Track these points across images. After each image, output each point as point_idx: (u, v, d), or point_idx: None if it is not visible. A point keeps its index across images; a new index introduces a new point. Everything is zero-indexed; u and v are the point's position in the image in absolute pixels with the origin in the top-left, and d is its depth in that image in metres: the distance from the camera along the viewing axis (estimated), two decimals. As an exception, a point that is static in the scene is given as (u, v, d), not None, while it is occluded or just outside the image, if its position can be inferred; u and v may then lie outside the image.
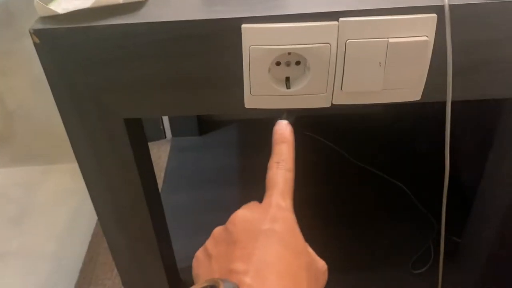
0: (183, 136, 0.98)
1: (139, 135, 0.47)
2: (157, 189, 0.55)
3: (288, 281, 0.27)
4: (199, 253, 0.31)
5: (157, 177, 0.97)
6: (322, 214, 0.76)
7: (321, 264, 0.31)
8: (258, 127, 1.01)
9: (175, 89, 0.40)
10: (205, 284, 0.26)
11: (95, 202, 0.48)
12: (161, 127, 1.01)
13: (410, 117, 0.94)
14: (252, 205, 0.32)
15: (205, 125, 0.98)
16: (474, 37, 0.37)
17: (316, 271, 0.30)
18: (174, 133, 0.99)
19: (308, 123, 0.93)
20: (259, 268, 0.27)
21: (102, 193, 0.47)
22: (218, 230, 0.32)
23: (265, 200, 0.31)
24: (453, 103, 0.39)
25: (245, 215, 0.31)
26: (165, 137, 1.03)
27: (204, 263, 0.30)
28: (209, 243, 0.31)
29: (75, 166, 0.49)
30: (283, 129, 0.37)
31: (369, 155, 0.87)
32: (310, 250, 0.31)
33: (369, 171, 0.84)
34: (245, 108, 0.42)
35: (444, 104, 0.39)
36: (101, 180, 0.46)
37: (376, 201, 0.79)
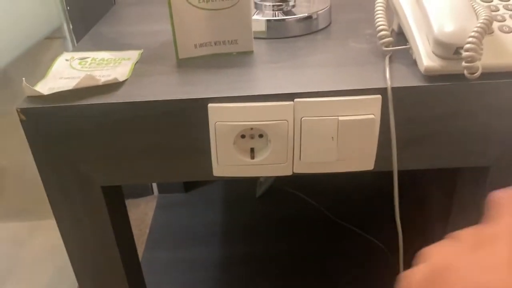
0: (170, 193, 1.01)
1: (117, 200, 0.50)
2: (135, 251, 0.57)
3: None
4: (451, 257, 0.23)
5: (143, 233, 0.99)
6: (301, 270, 0.78)
7: None
8: (242, 185, 1.05)
9: (149, 159, 0.44)
10: None
11: (73, 263, 0.51)
12: (149, 184, 1.04)
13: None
14: None
15: (191, 182, 1.01)
16: (416, 114, 0.42)
17: None
18: (160, 190, 1.02)
19: (289, 180, 0.96)
20: None
21: (80, 257, 0.50)
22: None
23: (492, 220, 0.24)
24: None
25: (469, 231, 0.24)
26: (153, 193, 1.06)
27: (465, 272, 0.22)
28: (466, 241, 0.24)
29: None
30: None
31: (349, 213, 0.90)
32: None
33: (349, 229, 0.86)
34: (214, 176, 0.45)
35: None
36: (78, 243, 0.49)
37: (354, 259, 0.81)
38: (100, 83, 0.42)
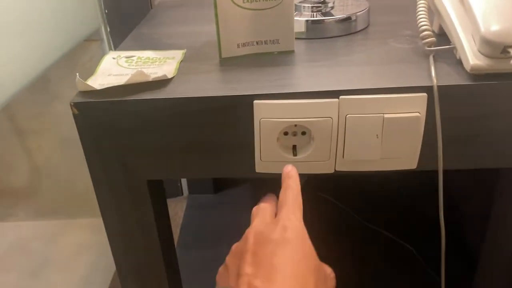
0: (199, 194, 1.02)
1: (160, 195, 0.51)
2: (174, 247, 0.58)
3: (296, 283, 0.29)
4: (221, 268, 0.35)
5: (174, 233, 1.00)
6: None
7: (329, 271, 0.34)
8: (271, 186, 1.05)
9: (194, 155, 0.45)
10: None
11: (116, 257, 0.52)
12: (179, 184, 1.06)
13: (418, 181, 0.97)
14: (264, 215, 0.36)
15: (220, 184, 1.02)
16: (461, 113, 0.42)
17: (325, 276, 0.33)
18: (190, 191, 1.03)
19: (318, 184, 0.96)
20: (268, 271, 0.29)
21: (123, 249, 0.51)
22: (235, 245, 0.35)
23: (277, 215, 0.35)
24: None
25: (258, 228, 0.34)
26: (182, 194, 1.07)
27: (223, 275, 0.34)
28: (228, 257, 0.35)
29: (94, 220, 0.53)
30: (289, 170, 0.39)
31: (378, 217, 0.89)
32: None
33: (378, 232, 0.86)
34: (256, 172, 0.46)
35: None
36: (122, 236, 0.50)
37: (384, 263, 0.80)
38: (150, 79, 0.44)
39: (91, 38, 0.88)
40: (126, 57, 0.51)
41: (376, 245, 0.84)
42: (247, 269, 0.30)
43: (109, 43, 0.89)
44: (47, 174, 1.06)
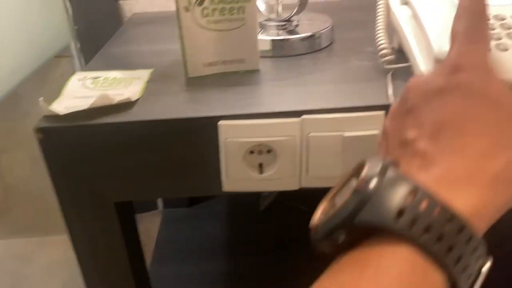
0: (174, 208, 1.02)
1: (128, 214, 0.51)
2: (144, 264, 0.59)
3: (483, 138, 0.22)
4: (379, 137, 0.29)
5: (148, 248, 1.00)
6: (307, 284, 0.79)
7: None
8: (246, 198, 1.06)
9: (161, 175, 0.45)
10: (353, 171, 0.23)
11: (85, 277, 0.52)
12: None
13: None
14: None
15: (195, 197, 1.02)
16: (418, 130, 0.43)
17: None
18: (165, 205, 1.03)
19: (292, 194, 0.98)
20: (435, 130, 0.22)
21: (93, 270, 0.51)
22: (394, 105, 0.28)
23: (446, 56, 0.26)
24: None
25: (419, 78, 0.27)
26: (157, 208, 1.07)
27: (382, 145, 0.28)
28: (386, 121, 0.28)
29: (66, 238, 0.53)
30: None
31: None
32: None
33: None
34: (223, 191, 0.47)
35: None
36: (92, 257, 0.50)
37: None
38: (114, 102, 0.44)
39: (62, 55, 0.88)
40: (93, 78, 0.51)
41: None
42: (410, 133, 0.23)
43: (79, 59, 0.89)
44: (18, 192, 1.04)
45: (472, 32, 0.26)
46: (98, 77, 0.51)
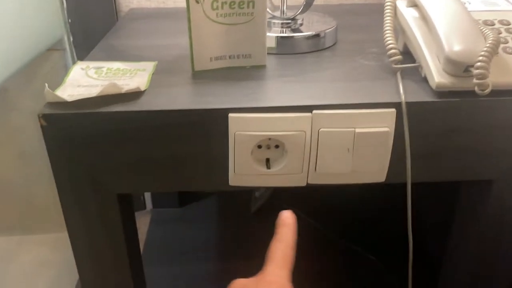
0: (164, 208, 1.00)
1: (129, 209, 0.50)
2: (141, 263, 0.57)
3: None
4: None
5: (136, 248, 0.97)
6: (297, 286, 0.78)
7: None
8: (238, 199, 1.05)
9: (167, 168, 0.44)
10: None
11: (82, 274, 0.50)
12: (142, 198, 1.04)
13: (384, 193, 0.99)
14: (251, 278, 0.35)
15: (185, 197, 1.01)
16: (427, 128, 0.44)
17: None
18: (154, 205, 1.01)
19: (284, 196, 0.97)
20: None
21: (90, 266, 0.49)
22: None
23: (263, 269, 0.34)
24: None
25: (242, 281, 0.34)
26: (145, 208, 1.05)
27: None
28: None
29: (53, 236, 0.51)
30: (286, 216, 0.39)
31: (345, 230, 0.90)
32: None
33: (346, 247, 0.87)
34: (230, 185, 0.46)
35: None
36: (89, 252, 0.49)
37: (349, 276, 0.81)
38: (123, 91, 0.43)
39: (53, 48, 0.86)
40: (95, 68, 0.50)
41: (341, 257, 0.85)
42: None
43: (72, 53, 0.87)
44: (3, 189, 1.01)
45: (284, 260, 0.35)
46: (101, 67, 0.50)
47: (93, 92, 0.43)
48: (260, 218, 0.96)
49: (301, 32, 0.58)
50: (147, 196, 1.03)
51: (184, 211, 0.99)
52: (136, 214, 1.04)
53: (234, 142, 0.43)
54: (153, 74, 0.49)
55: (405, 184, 0.45)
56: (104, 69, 0.50)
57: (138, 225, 1.04)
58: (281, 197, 0.97)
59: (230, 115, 0.42)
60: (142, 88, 0.44)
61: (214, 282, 0.82)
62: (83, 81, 0.47)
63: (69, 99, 0.41)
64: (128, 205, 0.49)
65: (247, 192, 1.01)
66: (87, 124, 0.41)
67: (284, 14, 0.60)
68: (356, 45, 0.58)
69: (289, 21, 0.59)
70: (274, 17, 0.60)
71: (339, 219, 0.94)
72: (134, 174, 0.44)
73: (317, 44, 0.58)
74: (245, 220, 0.96)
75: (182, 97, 0.44)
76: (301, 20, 0.60)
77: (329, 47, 0.59)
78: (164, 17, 0.73)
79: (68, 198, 0.45)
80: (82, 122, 0.41)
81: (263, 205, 0.98)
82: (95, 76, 0.48)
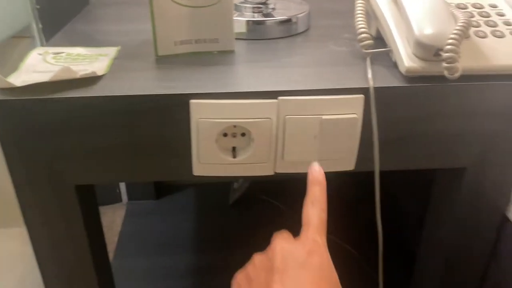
0: (139, 200, 0.98)
1: (90, 201, 0.48)
2: (107, 257, 0.55)
3: None
4: (241, 276, 0.35)
5: (111, 242, 0.96)
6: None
7: None
8: (216, 191, 1.03)
9: (127, 157, 0.42)
10: None
11: (42, 269, 0.48)
12: (117, 190, 1.01)
13: (359, 182, 0.99)
14: (288, 237, 0.35)
15: (162, 189, 0.99)
16: (397, 114, 0.42)
17: None
18: (130, 197, 0.99)
19: (262, 187, 0.96)
20: None
21: (51, 260, 0.47)
22: (258, 257, 0.35)
23: (302, 234, 0.34)
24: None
25: (284, 246, 0.34)
26: (121, 200, 1.03)
27: (245, 285, 0.34)
28: (250, 267, 0.35)
29: (23, 230, 0.49)
30: (317, 172, 0.38)
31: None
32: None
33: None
34: (194, 175, 0.44)
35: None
36: (49, 246, 0.46)
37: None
38: (77, 76, 0.41)
39: (21, 35, 0.82)
40: (54, 53, 0.47)
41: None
42: (277, 286, 0.31)
43: (41, 40, 0.84)
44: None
45: (321, 225, 0.35)
46: (61, 53, 0.48)
47: (47, 77, 0.40)
48: (238, 209, 0.95)
49: (273, 17, 0.56)
50: (123, 188, 1.00)
51: (160, 203, 0.97)
52: (112, 206, 1.02)
53: (197, 129, 0.41)
54: (115, 59, 0.47)
55: (384, 172, 0.44)
56: (64, 55, 0.47)
57: (113, 218, 1.02)
58: (259, 188, 0.96)
59: (192, 101, 0.40)
60: (100, 73, 0.42)
61: (189, 275, 0.80)
62: (40, 66, 0.45)
63: (19, 84, 0.39)
64: (89, 197, 0.47)
65: (226, 184, 1.00)
66: (40, 111, 0.39)
67: (256, -2, 0.58)
68: (329, 30, 0.57)
69: (261, 5, 0.57)
70: (245, 1, 0.57)
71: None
72: (92, 164, 0.42)
73: (289, 30, 0.56)
74: (223, 211, 0.95)
75: (143, 83, 0.42)
76: (273, 4, 0.58)
77: (302, 32, 0.57)
78: (135, 2, 0.71)
79: (24, 191, 0.43)
80: (35, 109, 0.39)
81: (241, 196, 0.97)
82: (53, 61, 0.46)
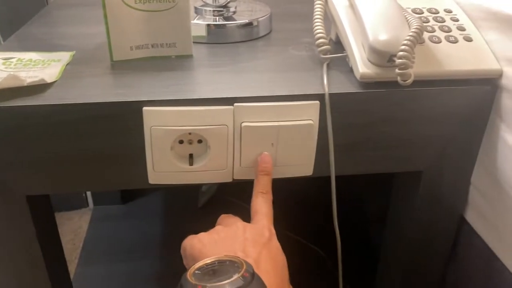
0: (106, 205, 0.96)
1: (44, 210, 0.46)
2: (65, 265, 0.54)
3: (278, 278, 0.35)
4: (201, 237, 0.37)
5: (76, 247, 0.94)
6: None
7: None
8: (184, 194, 1.02)
9: (79, 166, 0.41)
10: (225, 259, 0.30)
11: (-6, 282, 0.46)
12: (84, 195, 0.99)
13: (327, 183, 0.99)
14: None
15: (128, 194, 0.97)
16: (352, 120, 0.42)
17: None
18: (96, 202, 0.97)
19: (231, 190, 0.95)
20: (258, 260, 0.33)
21: (3, 271, 0.45)
22: (225, 220, 0.40)
23: (259, 222, 0.37)
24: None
25: (247, 225, 0.37)
26: (88, 205, 1.01)
27: (210, 244, 0.36)
28: (215, 229, 0.38)
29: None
30: (266, 163, 0.41)
31: (290, 220, 0.90)
32: None
33: (290, 237, 0.86)
34: (149, 183, 0.43)
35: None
36: (2, 257, 0.45)
37: (291, 265, 0.81)
38: (25, 84, 0.39)
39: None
40: (4, 59, 0.46)
41: (283, 247, 0.84)
42: (250, 251, 0.34)
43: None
44: None
45: (271, 212, 0.39)
46: (11, 58, 0.46)
47: (-8, 85, 0.39)
48: (208, 212, 0.94)
49: (234, 20, 0.55)
50: (89, 193, 0.98)
51: (127, 208, 0.96)
52: (78, 212, 1.00)
53: (150, 137, 0.40)
54: (68, 64, 0.46)
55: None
56: (14, 60, 0.46)
57: (80, 223, 1.00)
58: (228, 191, 0.95)
59: (145, 108, 0.39)
60: (49, 80, 0.41)
61: (158, 281, 0.79)
62: (-13, 72, 0.43)
63: (-38, 92, 0.37)
64: (43, 206, 0.46)
65: (194, 187, 0.99)
66: (-15, 120, 0.38)
67: (216, 1, 0.57)
68: (290, 34, 0.57)
69: (222, 8, 0.56)
70: (206, 4, 0.57)
71: (283, 210, 0.93)
72: (42, 174, 0.41)
73: (250, 33, 0.56)
74: (192, 215, 0.94)
75: (95, 89, 0.41)
76: (234, 7, 0.57)
77: (263, 36, 0.56)
78: (95, 4, 0.69)
79: (-29, 201, 0.41)
80: (-21, 118, 0.38)
81: (210, 199, 0.96)
82: (2, 67, 0.44)
